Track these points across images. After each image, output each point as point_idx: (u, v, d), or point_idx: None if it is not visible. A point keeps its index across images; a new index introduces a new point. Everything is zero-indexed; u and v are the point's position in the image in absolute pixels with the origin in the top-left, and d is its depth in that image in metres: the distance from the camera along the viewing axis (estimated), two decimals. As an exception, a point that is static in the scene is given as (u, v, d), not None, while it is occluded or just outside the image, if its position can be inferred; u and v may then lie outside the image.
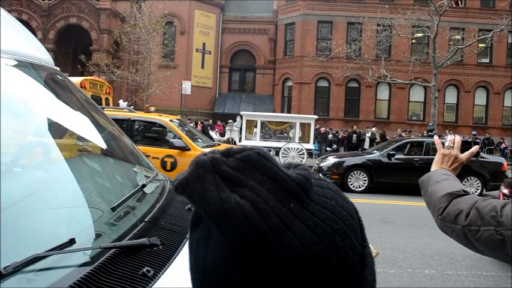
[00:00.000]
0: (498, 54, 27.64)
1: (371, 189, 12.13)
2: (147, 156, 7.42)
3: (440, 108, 24.61)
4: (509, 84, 27.72)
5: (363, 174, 12.24)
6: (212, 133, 20.67)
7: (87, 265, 1.16)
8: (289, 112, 27.59)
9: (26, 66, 1.69)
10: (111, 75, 23.66)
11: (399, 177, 12.09)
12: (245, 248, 0.48)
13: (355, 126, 22.98)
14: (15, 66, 1.58)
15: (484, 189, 12.33)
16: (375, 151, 13.40)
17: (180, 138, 7.94)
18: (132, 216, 1.56)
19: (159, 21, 23.79)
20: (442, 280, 5.23)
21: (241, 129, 19.02)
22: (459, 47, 21.50)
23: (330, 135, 22.64)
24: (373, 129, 21.85)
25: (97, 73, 24.55)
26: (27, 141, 1.65)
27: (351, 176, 12.22)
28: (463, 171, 12.02)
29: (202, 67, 30.58)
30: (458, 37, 25.40)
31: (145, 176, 2.05)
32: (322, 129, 22.77)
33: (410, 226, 8.03)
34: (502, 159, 13.51)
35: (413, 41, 25.25)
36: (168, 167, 7.72)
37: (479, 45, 23.59)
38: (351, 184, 12.21)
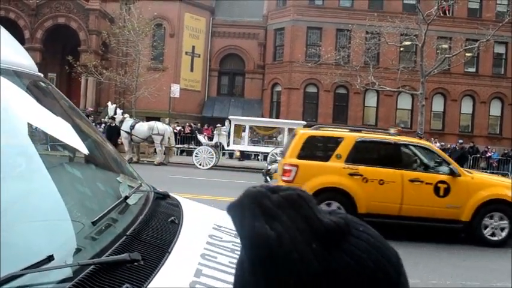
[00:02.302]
0: (484, 63, 28.03)
1: None
2: (420, 182, 7.49)
3: (427, 116, 24.84)
4: (495, 93, 28.14)
5: None
6: (200, 137, 20.61)
7: (66, 281, 1.14)
8: (277, 117, 27.65)
9: (9, 73, 1.67)
10: (99, 77, 23.51)
11: None
12: (263, 270, 0.57)
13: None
14: (-3, 74, 1.56)
15: None
16: None
17: (449, 164, 7.71)
18: (113, 230, 1.53)
19: (148, 23, 23.69)
20: (426, 289, 5.26)
21: (229, 133, 18.99)
22: (446, 56, 21.78)
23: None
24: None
25: (85, 74, 24.41)
26: (9, 150, 1.62)
27: None
28: None
29: (192, 70, 30.53)
30: (446, 46, 25.74)
31: (128, 186, 2.02)
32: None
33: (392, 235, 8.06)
34: None
35: (401, 49, 25.50)
36: (442, 193, 7.49)
37: (466, 54, 23.93)
38: None
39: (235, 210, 0.61)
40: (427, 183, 7.50)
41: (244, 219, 0.59)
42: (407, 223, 7.65)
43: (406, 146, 8.11)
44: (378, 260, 0.57)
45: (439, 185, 7.50)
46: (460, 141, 22.54)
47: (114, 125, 17.74)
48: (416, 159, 8.33)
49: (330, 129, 8.70)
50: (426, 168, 8.01)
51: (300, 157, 7.77)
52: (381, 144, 8.06)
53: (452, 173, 7.55)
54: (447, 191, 7.50)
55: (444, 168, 7.66)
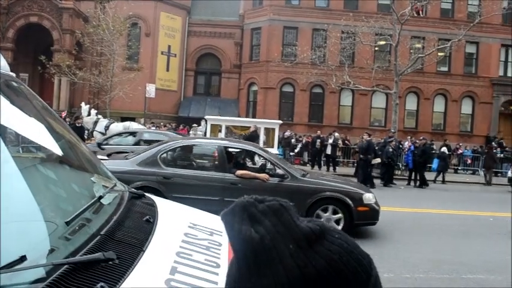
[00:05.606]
0: (456, 63, 28.63)
1: None
2: None
3: (401, 114, 25.22)
4: (466, 92, 28.80)
5: None
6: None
7: (39, 282, 1.14)
8: (254, 116, 27.65)
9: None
10: (73, 77, 23.12)
11: None
12: (248, 268, 0.65)
13: (319, 131, 23.27)
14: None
15: None
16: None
17: None
18: (87, 230, 1.53)
19: (123, 23, 23.37)
20: (400, 284, 5.36)
21: (205, 133, 18.93)
22: (419, 55, 22.14)
23: (293, 140, 22.83)
24: (336, 134, 22.17)
25: (58, 74, 23.96)
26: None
27: None
28: None
29: (167, 70, 30.30)
30: (419, 46, 26.19)
31: (103, 186, 2.01)
32: (287, 134, 22.96)
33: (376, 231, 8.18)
34: None
35: (376, 48, 25.77)
36: None
37: (439, 54, 24.37)
38: None
39: (227, 216, 0.70)
40: None
41: (234, 224, 0.68)
42: None
43: None
44: (348, 262, 0.64)
45: None
46: (421, 137, 22.10)
47: (80, 125, 17.30)
48: None
49: None
50: None
51: None
52: None
53: None
54: None
55: None
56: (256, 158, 10.15)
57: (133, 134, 13.81)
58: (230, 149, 8.13)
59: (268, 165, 8.23)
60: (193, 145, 9.05)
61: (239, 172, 7.44)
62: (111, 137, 13.84)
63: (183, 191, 7.14)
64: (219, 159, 7.78)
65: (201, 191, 7.20)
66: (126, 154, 8.44)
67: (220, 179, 7.38)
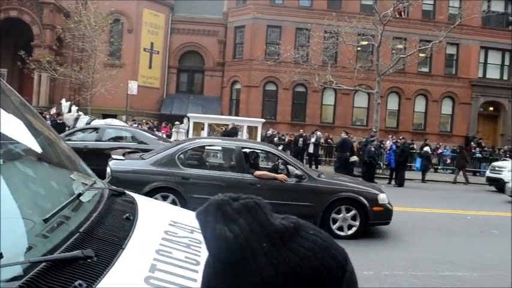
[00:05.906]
0: (437, 64, 29.06)
1: None
2: None
3: (382, 114, 25.43)
4: (447, 92, 29.28)
5: None
6: (158, 135, 20.35)
7: (15, 280, 1.12)
8: (237, 115, 27.62)
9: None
10: (53, 73, 22.80)
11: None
12: (223, 268, 0.65)
13: (301, 130, 23.36)
14: None
15: None
16: None
17: None
18: (66, 227, 1.52)
19: (105, 19, 23.09)
20: (379, 281, 5.43)
21: (188, 131, 18.85)
22: (401, 56, 22.37)
23: (276, 139, 22.89)
24: (318, 133, 22.29)
25: (38, 70, 23.59)
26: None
27: None
28: None
29: (150, 67, 30.07)
30: (401, 46, 26.49)
31: (82, 183, 1.99)
32: (269, 132, 22.99)
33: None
34: None
35: (359, 48, 25.98)
36: None
37: (420, 55, 24.67)
38: None
39: (201, 215, 0.70)
40: None
41: (208, 223, 0.67)
42: None
43: None
44: (323, 258, 0.64)
45: None
46: (401, 137, 22.22)
47: (61, 122, 17.08)
48: None
49: None
50: None
51: None
52: None
53: None
54: None
55: None
56: (272, 158, 10.22)
57: (96, 130, 13.65)
58: (247, 150, 8.15)
59: (281, 166, 8.31)
60: (211, 145, 9.06)
61: (258, 173, 7.49)
62: (73, 132, 13.67)
63: (201, 192, 7.08)
64: (237, 159, 7.79)
65: (219, 192, 7.13)
66: (142, 154, 8.39)
67: (239, 180, 7.41)
